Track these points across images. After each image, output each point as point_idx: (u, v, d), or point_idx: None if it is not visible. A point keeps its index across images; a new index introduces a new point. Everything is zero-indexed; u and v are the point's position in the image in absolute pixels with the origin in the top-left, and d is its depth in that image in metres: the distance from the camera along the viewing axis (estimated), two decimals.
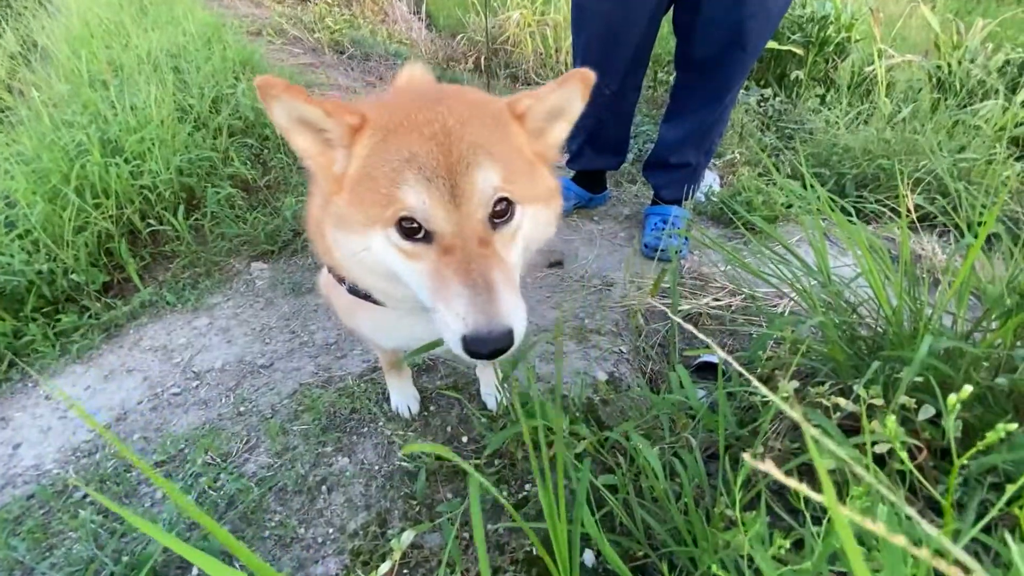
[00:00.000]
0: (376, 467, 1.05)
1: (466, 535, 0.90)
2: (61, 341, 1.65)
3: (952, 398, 0.50)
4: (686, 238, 1.91)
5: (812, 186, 1.14)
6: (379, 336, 0.94)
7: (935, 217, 1.84)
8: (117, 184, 1.91)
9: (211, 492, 1.03)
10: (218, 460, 1.13)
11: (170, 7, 3.97)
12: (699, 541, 0.71)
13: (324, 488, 1.02)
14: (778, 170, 2.38)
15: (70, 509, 1.09)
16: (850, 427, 0.82)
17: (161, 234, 2.00)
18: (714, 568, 0.64)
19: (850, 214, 1.47)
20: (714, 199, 2.14)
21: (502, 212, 0.69)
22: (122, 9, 3.59)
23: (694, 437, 0.82)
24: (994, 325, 0.82)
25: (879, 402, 0.73)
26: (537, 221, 0.74)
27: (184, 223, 1.95)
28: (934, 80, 3.13)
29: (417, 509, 0.96)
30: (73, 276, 1.76)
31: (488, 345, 0.60)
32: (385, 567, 0.55)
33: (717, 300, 1.72)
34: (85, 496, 1.15)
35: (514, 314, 0.63)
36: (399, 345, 0.93)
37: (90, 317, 1.72)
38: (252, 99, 2.64)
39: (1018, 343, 0.76)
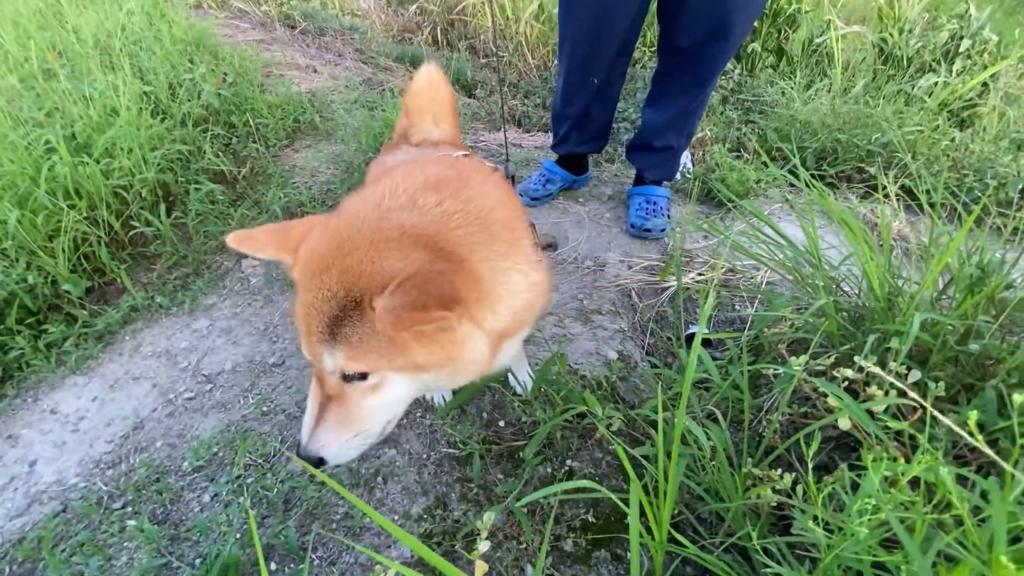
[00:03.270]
0: (424, 455, 1.12)
1: (524, 509, 1.00)
2: (54, 352, 1.60)
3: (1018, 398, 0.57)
4: (668, 216, 2.02)
5: (794, 172, 1.26)
6: None
7: (885, 187, 2.02)
8: (89, 184, 1.82)
9: (264, 492, 1.08)
10: (259, 461, 1.17)
11: None
12: (731, 497, 0.83)
13: (379, 479, 1.08)
14: (744, 147, 2.52)
15: (115, 520, 1.11)
16: (849, 392, 0.94)
17: (140, 235, 1.93)
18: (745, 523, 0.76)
19: (816, 189, 1.61)
20: (690, 176, 2.26)
21: (354, 375, 0.74)
22: None
23: (716, 408, 0.94)
24: (958, 296, 0.96)
25: (877, 370, 0.86)
26: (414, 382, 0.77)
27: (167, 222, 1.89)
28: (877, 51, 3.33)
29: (475, 491, 1.04)
30: (56, 284, 1.70)
31: (303, 457, 0.76)
32: (485, 546, 0.63)
33: (701, 275, 1.85)
34: (125, 506, 1.17)
35: (327, 448, 0.76)
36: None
37: (80, 326, 1.67)
38: (214, 85, 2.52)
39: (981, 314, 0.90)
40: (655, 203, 1.99)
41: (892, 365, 0.84)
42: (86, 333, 1.65)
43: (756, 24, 3.61)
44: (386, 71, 3.62)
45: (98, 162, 1.86)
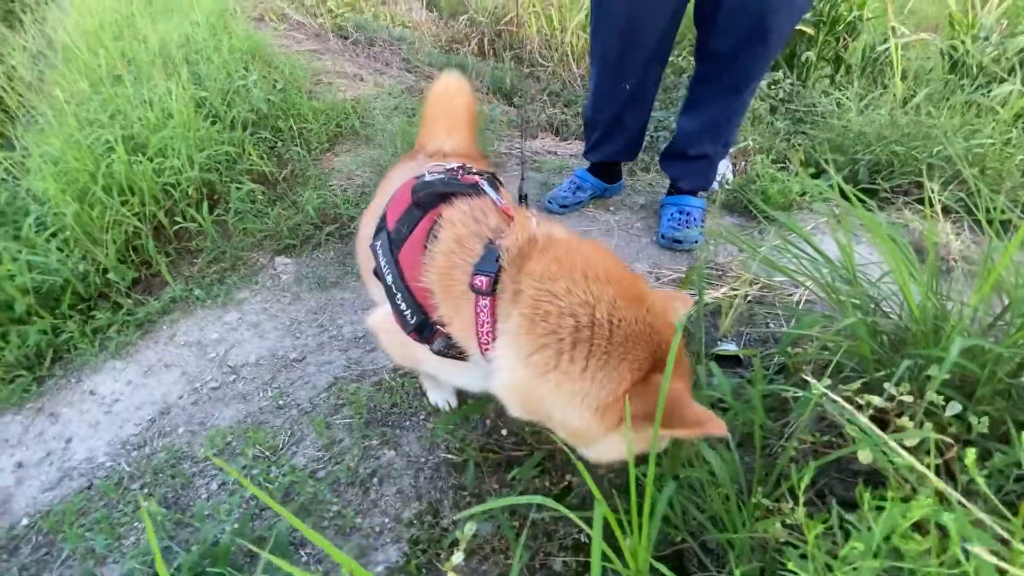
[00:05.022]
0: (422, 459, 1.11)
1: (515, 524, 0.96)
2: (99, 338, 1.70)
3: None
4: (702, 228, 1.94)
5: (837, 185, 1.17)
6: (451, 378, 1.00)
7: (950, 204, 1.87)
8: (142, 181, 1.94)
9: (266, 484, 1.10)
10: (267, 454, 1.19)
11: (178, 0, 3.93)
12: (736, 528, 0.77)
13: (375, 480, 1.08)
14: (791, 159, 2.39)
15: (131, 501, 1.15)
16: (877, 422, 0.86)
17: (185, 230, 2.03)
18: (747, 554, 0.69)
19: (864, 203, 1.50)
20: (728, 187, 2.16)
21: None
22: (130, 0, 3.55)
23: (731, 431, 0.87)
24: (1017, 322, 0.86)
25: (909, 399, 0.77)
26: None
27: (208, 219, 1.99)
28: (947, 59, 3.11)
29: (467, 499, 1.02)
30: (106, 274, 1.81)
31: None
32: (458, 557, 0.61)
33: (734, 290, 1.76)
34: (143, 487, 1.22)
35: None
36: (466, 386, 0.98)
37: (124, 313, 1.77)
38: (264, 91, 2.64)
39: None
40: (688, 213, 1.92)
41: (929, 395, 0.76)
42: (128, 321, 1.74)
43: (812, 32, 3.46)
44: (429, 79, 3.70)
45: (151, 160, 1.98)
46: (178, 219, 1.99)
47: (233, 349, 1.63)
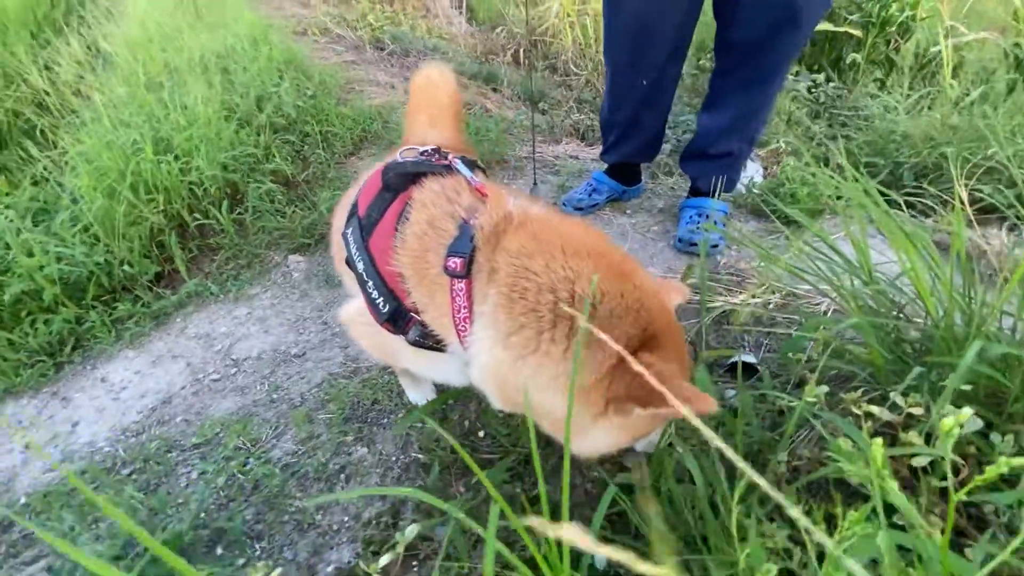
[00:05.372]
0: (393, 458, 1.07)
1: (475, 532, 0.90)
2: (117, 328, 1.76)
3: None
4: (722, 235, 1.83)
5: (855, 177, 1.07)
6: (428, 372, 0.96)
7: (1004, 208, 1.69)
8: (167, 180, 2.01)
9: (239, 476, 1.08)
10: (248, 445, 1.18)
11: (221, 11, 4.15)
12: (712, 549, 0.68)
13: (343, 477, 1.04)
14: (827, 160, 2.25)
15: (116, 486, 1.16)
16: (892, 437, 0.76)
17: (207, 227, 2.09)
18: None
19: (899, 205, 1.37)
20: (755, 191, 2.04)
21: None
22: (179, 15, 3.78)
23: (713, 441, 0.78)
24: None
25: (919, 411, 0.67)
26: None
27: (228, 217, 2.04)
28: (1011, 59, 2.87)
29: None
30: (127, 267, 1.88)
31: None
32: (386, 559, 0.56)
33: (755, 297, 1.65)
34: (131, 474, 1.23)
35: None
36: (446, 379, 0.94)
37: (142, 306, 1.83)
38: (294, 97, 2.72)
39: None
40: (708, 216, 1.81)
41: (940, 407, 0.66)
42: (145, 313, 1.80)
43: (859, 34, 3.28)
44: (461, 87, 3.73)
45: (177, 159, 2.05)
46: (201, 217, 2.06)
47: (238, 343, 1.65)
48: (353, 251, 0.87)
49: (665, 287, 0.84)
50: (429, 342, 0.82)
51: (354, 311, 0.93)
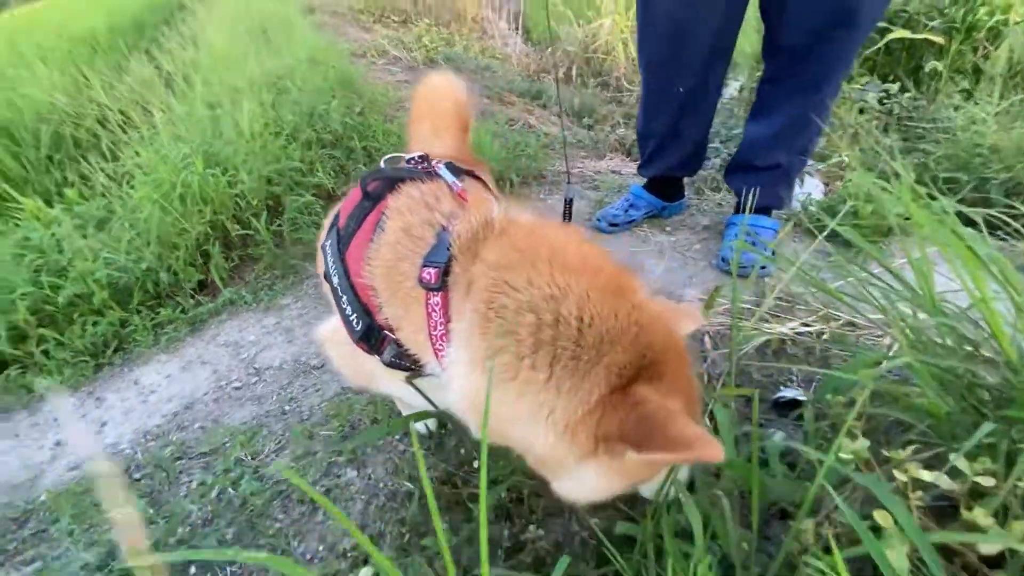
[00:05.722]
0: (381, 484, 1.00)
1: None
2: (156, 332, 1.83)
3: None
4: (772, 252, 1.67)
5: (931, 196, 0.92)
6: (408, 396, 0.89)
7: None
8: (214, 192, 2.10)
9: (231, 490, 1.06)
10: (248, 458, 1.16)
11: (289, 36, 4.40)
12: None
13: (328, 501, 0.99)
14: (897, 175, 2.02)
15: (123, 490, 1.17)
16: (952, 511, 0.61)
17: (249, 238, 2.16)
18: None
19: (981, 225, 1.18)
20: (812, 208, 1.86)
21: None
22: (248, 40, 4.04)
23: (729, 495, 0.66)
24: None
25: (989, 482, 0.53)
26: None
27: (267, 228, 2.09)
28: None
29: (407, 537, 0.89)
30: (173, 275, 1.96)
31: None
32: None
33: (807, 325, 1.48)
34: (140, 478, 1.24)
35: None
36: (427, 404, 0.87)
37: (182, 312, 1.89)
38: (342, 114, 2.80)
39: None
40: (756, 235, 1.66)
41: (1018, 474, 0.51)
42: (182, 319, 1.86)
43: (942, 41, 3.00)
44: (506, 104, 3.73)
45: (225, 172, 2.14)
46: (244, 228, 2.13)
47: (263, 352, 1.66)
48: (329, 263, 0.82)
49: (674, 311, 0.73)
50: (406, 363, 0.76)
51: (330, 330, 0.88)
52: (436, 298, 0.68)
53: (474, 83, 4.19)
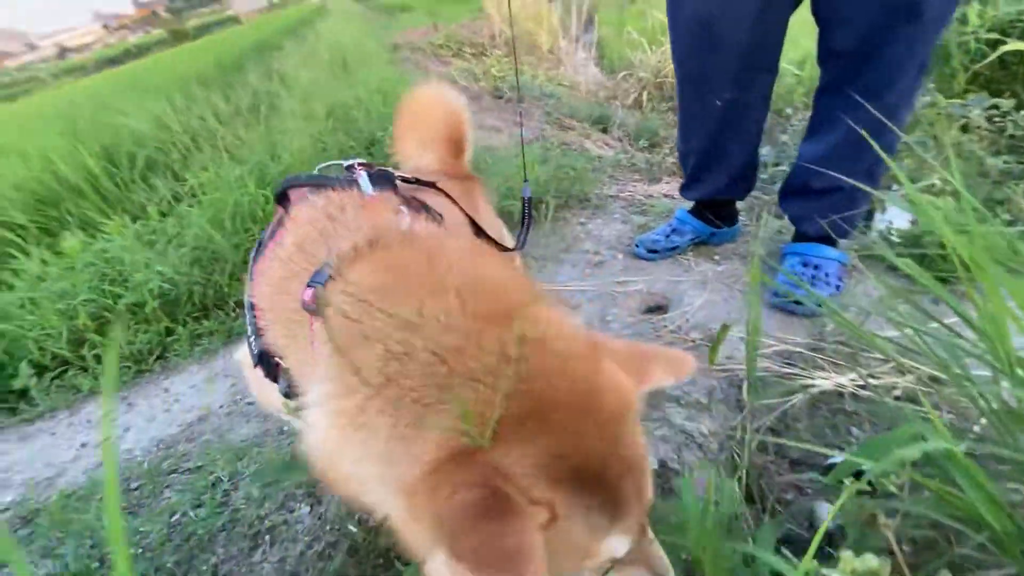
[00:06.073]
0: (328, 527, 0.91)
1: None
2: (196, 343, 1.90)
3: None
4: (839, 288, 1.44)
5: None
6: None
7: None
8: (262, 211, 2.19)
9: (190, 514, 1.02)
10: (225, 479, 1.12)
11: (367, 68, 4.68)
12: None
13: (268, 538, 0.91)
14: (1005, 204, 1.69)
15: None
16: None
17: None
18: None
19: None
20: (893, 238, 1.59)
21: None
22: (329, 71, 4.33)
23: None
24: None
25: None
26: None
27: None
28: None
29: None
30: (218, 288, 2.05)
31: None
32: None
33: (874, 377, 1.23)
34: (136, 488, 1.24)
35: None
36: None
37: (220, 324, 1.96)
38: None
39: None
40: (816, 267, 1.44)
41: None
42: (219, 331, 1.92)
43: None
44: (564, 129, 3.66)
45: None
46: None
47: None
48: (247, 278, 0.75)
49: (656, 357, 0.58)
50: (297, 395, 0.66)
51: (245, 351, 0.80)
52: (318, 323, 0.57)
53: (538, 110, 4.19)
